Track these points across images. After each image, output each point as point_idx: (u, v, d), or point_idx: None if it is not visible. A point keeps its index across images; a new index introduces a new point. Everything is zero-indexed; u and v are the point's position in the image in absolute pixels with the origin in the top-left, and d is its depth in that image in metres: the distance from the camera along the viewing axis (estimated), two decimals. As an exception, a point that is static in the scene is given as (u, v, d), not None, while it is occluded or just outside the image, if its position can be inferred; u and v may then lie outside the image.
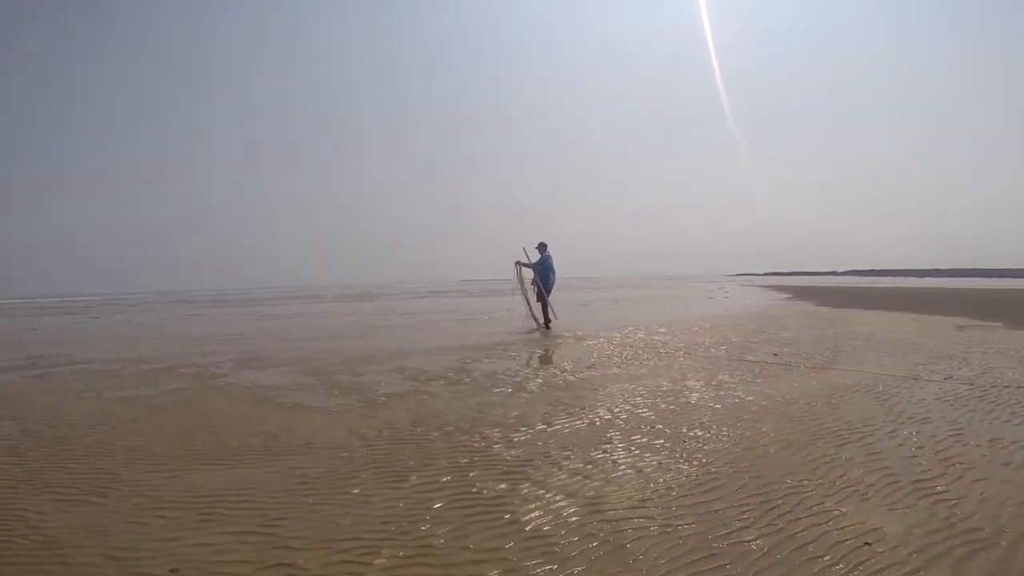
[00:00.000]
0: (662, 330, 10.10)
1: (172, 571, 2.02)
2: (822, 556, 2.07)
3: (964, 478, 2.79)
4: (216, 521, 2.41)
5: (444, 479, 2.86)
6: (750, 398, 4.53)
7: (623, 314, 15.06)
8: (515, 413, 4.21)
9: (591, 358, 6.90)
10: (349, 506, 2.54)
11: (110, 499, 2.71)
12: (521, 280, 11.18)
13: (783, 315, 13.44)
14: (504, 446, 3.41)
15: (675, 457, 3.13)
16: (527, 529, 2.30)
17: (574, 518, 2.39)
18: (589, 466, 3.01)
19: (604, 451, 3.26)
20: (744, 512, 2.42)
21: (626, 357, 6.91)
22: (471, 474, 2.93)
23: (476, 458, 3.19)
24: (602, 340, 8.73)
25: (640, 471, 2.92)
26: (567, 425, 3.85)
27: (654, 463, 3.04)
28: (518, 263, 11.02)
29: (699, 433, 3.58)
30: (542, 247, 10.88)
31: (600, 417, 4.04)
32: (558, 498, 2.60)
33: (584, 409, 4.28)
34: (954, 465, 2.97)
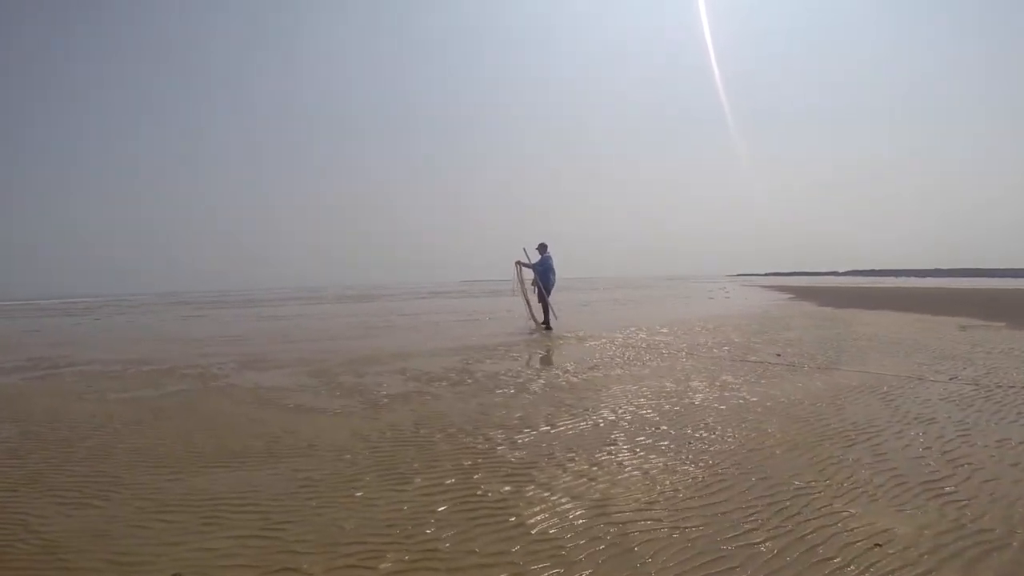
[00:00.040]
0: (664, 330, 10.08)
1: (175, 576, 2.00)
2: (833, 558, 2.05)
3: (973, 479, 2.77)
4: (219, 525, 2.39)
5: (448, 481, 2.84)
6: (754, 399, 4.51)
7: (624, 314, 15.03)
8: (518, 414, 4.19)
9: (593, 359, 6.87)
10: (353, 509, 2.51)
11: (112, 503, 2.69)
12: (521, 280, 11.16)
13: (785, 315, 13.42)
14: (508, 448, 3.39)
15: (681, 459, 3.11)
16: (533, 532, 2.28)
17: (580, 521, 2.36)
18: (594, 468, 2.99)
19: (609, 453, 3.24)
20: (752, 514, 2.40)
21: (628, 358, 6.89)
22: (475, 476, 2.91)
23: (480, 460, 3.17)
24: (604, 341, 8.71)
25: (646, 473, 2.90)
26: (571, 426, 3.83)
27: (660, 465, 3.02)
28: (518, 263, 11.01)
29: (704, 434, 3.56)
30: (542, 248, 10.87)
31: (604, 418, 4.01)
32: (564, 500, 2.57)
33: (588, 410, 4.26)
34: (962, 466, 2.95)
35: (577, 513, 2.44)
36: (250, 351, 8.63)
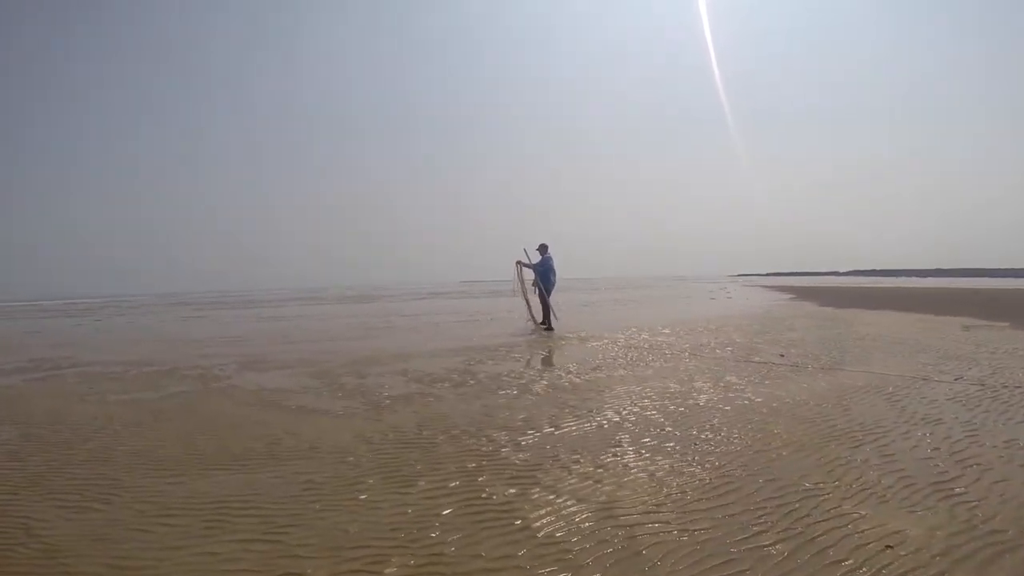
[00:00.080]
0: (666, 331, 10.05)
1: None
2: (844, 560, 2.02)
3: (983, 480, 2.75)
4: (222, 529, 2.36)
5: (452, 484, 2.81)
6: (759, 400, 4.48)
7: (625, 315, 15.01)
8: (522, 416, 4.16)
9: (596, 360, 6.85)
10: (357, 513, 2.48)
11: (113, 506, 2.66)
12: (522, 280, 11.15)
13: (787, 315, 13.39)
14: (512, 450, 3.36)
15: (687, 460, 3.08)
16: (539, 536, 2.25)
17: (587, 524, 2.34)
18: (600, 470, 2.96)
19: (614, 454, 3.21)
20: (761, 516, 2.37)
21: (631, 359, 6.86)
22: (480, 479, 2.88)
23: (484, 462, 3.14)
24: (606, 341, 8.68)
25: (652, 475, 2.87)
26: (575, 428, 3.80)
27: (666, 466, 2.99)
28: (519, 263, 10.99)
29: (710, 436, 3.53)
30: (543, 248, 10.85)
31: (608, 420, 3.99)
32: (570, 503, 2.54)
33: (591, 412, 4.23)
34: (971, 467, 2.92)
35: (583, 516, 2.41)
36: (251, 352, 8.60)
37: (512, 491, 2.70)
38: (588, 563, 2.04)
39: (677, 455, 3.18)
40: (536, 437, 3.60)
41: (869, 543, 2.14)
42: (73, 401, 5.23)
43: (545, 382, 5.49)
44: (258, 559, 2.11)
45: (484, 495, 2.66)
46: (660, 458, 3.13)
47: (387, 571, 2.01)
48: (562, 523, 2.35)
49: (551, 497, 2.62)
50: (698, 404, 4.37)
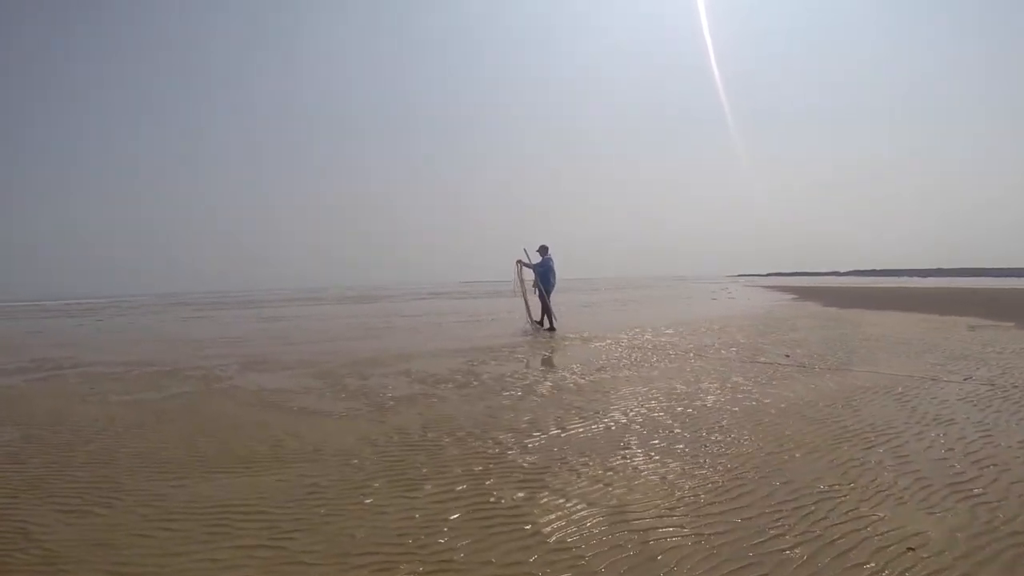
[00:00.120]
0: (669, 331, 10.00)
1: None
2: (866, 563, 1.97)
3: (1000, 480, 2.70)
4: (225, 534, 2.31)
5: (459, 488, 2.76)
6: (767, 400, 4.42)
7: (627, 315, 14.96)
8: (527, 417, 4.11)
9: (600, 360, 6.79)
10: (363, 517, 2.43)
11: (114, 510, 2.61)
12: (521, 280, 11.13)
13: (790, 316, 13.33)
14: (519, 452, 3.30)
15: (698, 463, 3.03)
16: (551, 541, 2.19)
17: (599, 528, 2.28)
18: (609, 473, 2.91)
19: (623, 457, 3.15)
20: (777, 519, 2.32)
21: (635, 359, 6.81)
22: (487, 482, 2.82)
23: (491, 465, 3.08)
24: (609, 342, 8.63)
25: (663, 478, 2.82)
26: (582, 430, 3.74)
27: (677, 469, 2.94)
28: (519, 262, 10.97)
29: (719, 437, 3.48)
30: (543, 250, 10.83)
31: (615, 421, 3.93)
32: (580, 507, 2.49)
33: (598, 413, 4.17)
34: (988, 467, 2.88)
35: (595, 520, 2.35)
36: (252, 352, 8.55)
37: (521, 495, 2.65)
38: (602, 569, 1.98)
39: (688, 457, 3.12)
40: (543, 439, 3.55)
41: (890, 545, 2.09)
42: (74, 402, 5.18)
43: (549, 383, 5.44)
44: (262, 565, 2.06)
45: (492, 499, 2.61)
46: (670, 460, 3.07)
47: (395, 578, 1.95)
48: (573, 528, 2.30)
49: (561, 501, 2.56)
50: (706, 405, 4.32)
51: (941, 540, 2.13)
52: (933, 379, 5.13)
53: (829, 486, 2.66)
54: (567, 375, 5.84)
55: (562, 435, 3.63)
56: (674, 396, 4.67)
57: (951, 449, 3.16)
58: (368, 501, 2.61)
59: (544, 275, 10.66)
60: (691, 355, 6.99)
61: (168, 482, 2.95)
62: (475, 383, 5.54)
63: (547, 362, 6.96)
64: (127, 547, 2.22)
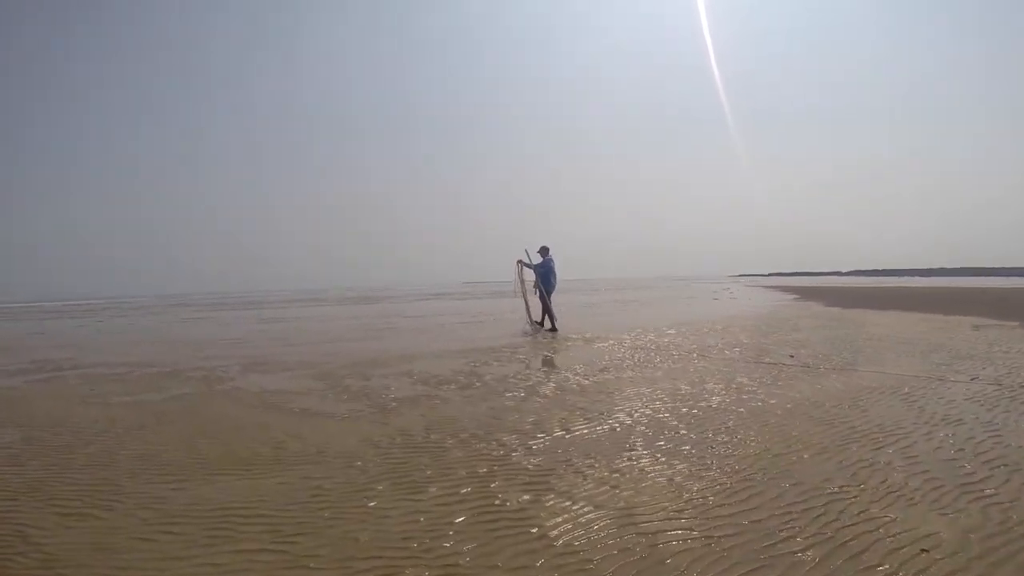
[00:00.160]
0: (671, 332, 9.96)
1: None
2: (879, 565, 1.94)
3: (1012, 481, 2.66)
4: (227, 538, 2.27)
5: (464, 490, 2.72)
6: (773, 401, 4.39)
7: (629, 316, 14.92)
8: (531, 419, 4.07)
9: (603, 361, 6.75)
10: (367, 521, 2.39)
11: (115, 513, 2.58)
12: (522, 280, 11.13)
13: (793, 316, 13.29)
14: (523, 454, 3.27)
15: (705, 464, 2.99)
16: (557, 544, 2.16)
17: (607, 531, 2.25)
18: (615, 475, 2.87)
19: (629, 459, 3.11)
20: (787, 521, 2.28)
21: (639, 360, 6.77)
22: (492, 485, 2.79)
23: (496, 467, 3.05)
24: (612, 342, 8.59)
25: (671, 479, 2.78)
26: (586, 431, 3.71)
27: (684, 471, 2.90)
28: (520, 262, 10.96)
29: (726, 438, 3.44)
30: (544, 251, 10.82)
31: (620, 422, 3.89)
32: (587, 510, 2.45)
33: (602, 414, 4.13)
34: (999, 467, 2.84)
35: (602, 523, 2.32)
36: (253, 353, 8.52)
37: (526, 497, 2.61)
38: (610, 573, 1.95)
39: (694, 458, 3.08)
40: (547, 441, 3.51)
41: (903, 547, 2.06)
42: (75, 403, 5.15)
43: (553, 384, 5.40)
44: (265, 570, 2.02)
45: (497, 502, 2.57)
46: (677, 462, 3.03)
47: (400, 582, 1.92)
48: (580, 531, 2.26)
49: (567, 503, 2.53)
50: (711, 406, 4.28)
51: (955, 541, 2.09)
52: (939, 379, 5.09)
53: (839, 487, 2.62)
54: (570, 376, 5.80)
55: (567, 437, 3.59)
56: (679, 397, 4.63)
57: (961, 449, 3.13)
58: (372, 504, 2.57)
59: (545, 276, 10.66)
60: (695, 355, 6.95)
61: (169, 485, 2.91)
62: (478, 384, 5.50)
63: (550, 363, 6.92)
64: (127, 551, 2.19)
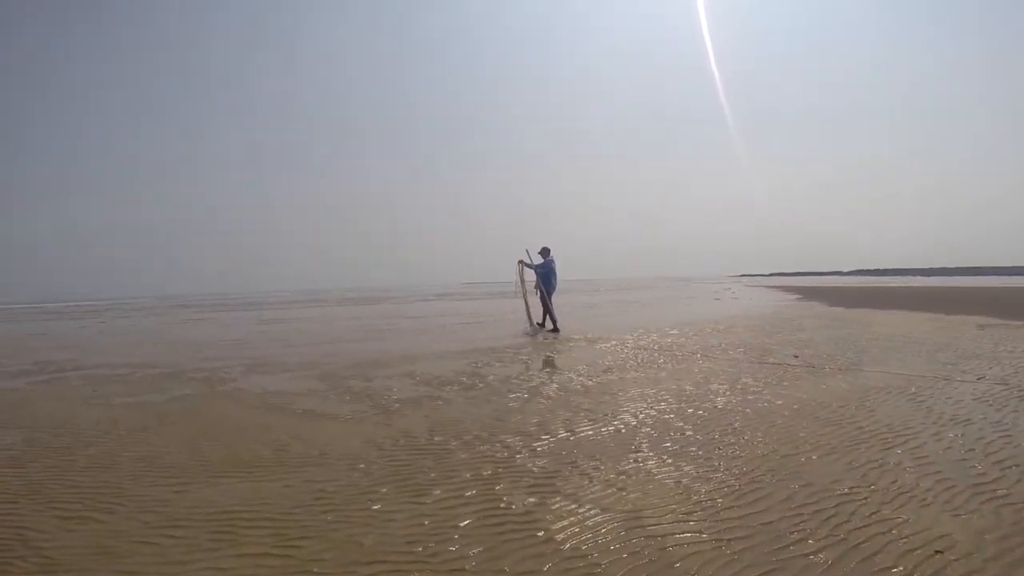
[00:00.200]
0: (674, 332, 9.92)
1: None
2: (893, 567, 1.91)
3: (1024, 481, 2.62)
4: (230, 542, 2.24)
5: (469, 493, 2.69)
6: (779, 402, 4.35)
7: (631, 316, 14.88)
8: (535, 420, 4.04)
9: (606, 361, 6.72)
10: (371, 524, 2.36)
11: (116, 516, 2.55)
12: (523, 280, 11.13)
13: (796, 316, 13.24)
14: (528, 456, 3.24)
15: (712, 466, 2.96)
16: (564, 548, 2.13)
17: (614, 534, 2.21)
18: (622, 477, 2.83)
19: (635, 460, 3.08)
20: (798, 523, 2.25)
21: (642, 360, 6.73)
22: (497, 487, 2.76)
23: (500, 469, 3.02)
24: (614, 343, 8.56)
25: (678, 481, 2.74)
26: (591, 432, 3.67)
27: (691, 473, 2.86)
28: (521, 262, 10.96)
29: (733, 440, 3.40)
30: (545, 252, 10.82)
31: (625, 423, 3.86)
32: (593, 512, 2.42)
33: (607, 415, 4.10)
34: (1010, 468, 2.81)
35: (610, 526, 2.29)
36: (255, 354, 8.50)
37: (532, 500, 2.58)
38: (619, 577, 1.92)
39: (701, 460, 3.05)
40: (552, 443, 3.48)
41: (916, 549, 2.03)
42: (77, 404, 5.12)
43: (556, 385, 5.37)
44: (269, 575, 1.99)
45: (503, 504, 2.54)
46: (684, 463, 3.00)
47: (406, 587, 1.89)
48: (587, 534, 2.23)
49: (573, 506, 2.49)
50: (716, 407, 4.24)
51: (969, 542, 2.06)
52: (946, 379, 5.05)
53: (849, 488, 2.58)
54: (574, 377, 5.77)
55: (571, 438, 3.56)
56: (684, 398, 4.60)
57: (971, 450, 3.09)
58: (376, 507, 2.54)
59: (545, 276, 10.67)
60: (698, 356, 6.92)
61: (171, 487, 2.89)
62: (481, 385, 5.47)
63: (552, 364, 6.89)
64: (129, 555, 2.16)
